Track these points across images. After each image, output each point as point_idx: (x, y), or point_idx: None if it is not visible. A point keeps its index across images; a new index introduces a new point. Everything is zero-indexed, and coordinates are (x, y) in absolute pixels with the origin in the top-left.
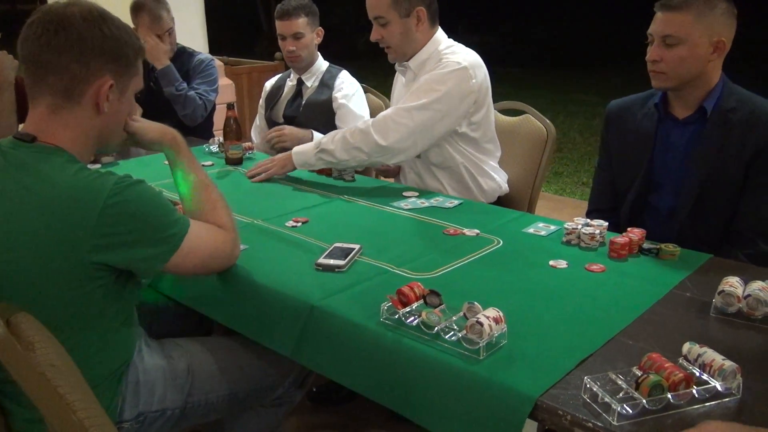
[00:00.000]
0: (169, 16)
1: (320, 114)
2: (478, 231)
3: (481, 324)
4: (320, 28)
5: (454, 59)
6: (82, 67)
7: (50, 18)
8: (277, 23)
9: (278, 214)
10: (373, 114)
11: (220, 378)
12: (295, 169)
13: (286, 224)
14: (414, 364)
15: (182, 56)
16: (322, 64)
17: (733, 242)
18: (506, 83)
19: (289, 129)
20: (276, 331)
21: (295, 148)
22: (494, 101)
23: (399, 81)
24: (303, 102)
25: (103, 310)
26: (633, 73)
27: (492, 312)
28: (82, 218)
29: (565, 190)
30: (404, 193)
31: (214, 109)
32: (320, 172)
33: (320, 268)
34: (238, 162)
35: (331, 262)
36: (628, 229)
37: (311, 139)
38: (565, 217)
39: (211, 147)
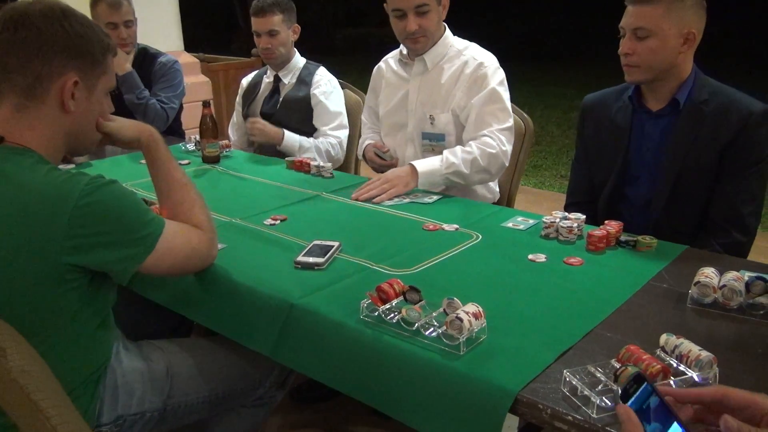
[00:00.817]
0: (130, 7)
1: (298, 111)
2: (457, 226)
3: (461, 320)
4: (297, 24)
5: (492, 63)
6: (43, 65)
7: (10, 16)
8: (253, 20)
9: (256, 213)
10: (351, 111)
11: (200, 379)
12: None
13: (265, 222)
14: (394, 361)
15: (144, 58)
16: (299, 60)
17: (708, 232)
18: None
19: (262, 123)
20: (255, 331)
21: (421, 167)
22: None
23: (386, 77)
24: (280, 99)
25: (77, 313)
26: (610, 67)
27: (471, 307)
28: (53, 220)
29: (543, 183)
30: None
31: (181, 108)
32: (298, 168)
33: (299, 266)
34: (215, 160)
35: (310, 260)
36: (605, 221)
37: (281, 139)
38: (545, 210)
39: (188, 145)
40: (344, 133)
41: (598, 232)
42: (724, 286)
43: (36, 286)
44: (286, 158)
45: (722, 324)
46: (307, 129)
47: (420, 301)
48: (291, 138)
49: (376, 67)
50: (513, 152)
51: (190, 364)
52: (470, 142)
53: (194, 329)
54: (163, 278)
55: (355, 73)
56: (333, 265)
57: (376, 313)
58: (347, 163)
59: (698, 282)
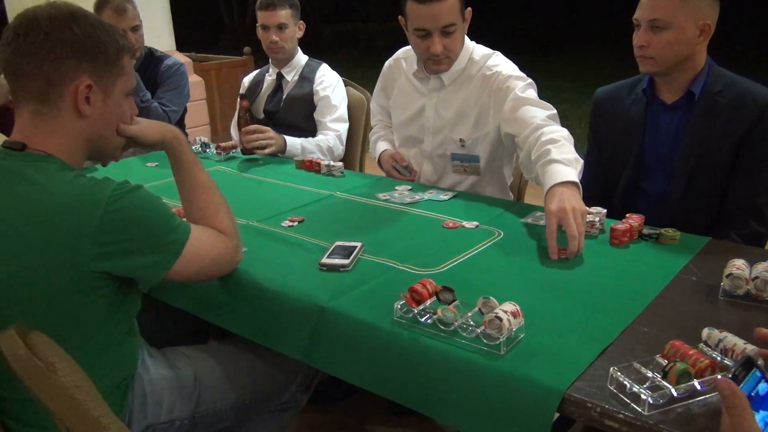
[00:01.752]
0: (135, 12)
1: (301, 108)
2: (477, 223)
3: (500, 319)
4: (302, 21)
5: (514, 74)
6: (54, 69)
7: (20, 22)
8: (261, 13)
9: (273, 214)
10: (353, 108)
11: (228, 386)
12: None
13: (282, 224)
14: (433, 362)
15: (150, 61)
16: (301, 57)
17: (725, 223)
18: None
19: (272, 132)
20: (286, 335)
21: (569, 177)
22: None
23: (399, 82)
24: (284, 96)
25: (105, 321)
26: (597, 59)
27: (509, 306)
28: (82, 227)
29: None
30: (396, 187)
31: (185, 111)
32: (308, 168)
33: (324, 268)
34: (253, 153)
35: (335, 261)
36: (627, 215)
37: (285, 145)
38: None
39: (193, 147)
40: (344, 127)
41: (621, 225)
42: (757, 277)
43: (64, 295)
44: (295, 158)
45: (756, 315)
46: (311, 127)
47: (454, 300)
48: (293, 143)
49: (386, 64)
50: None
51: (217, 371)
52: (542, 132)
53: (211, 333)
54: (186, 284)
55: (344, 69)
56: (358, 266)
57: (410, 315)
58: (351, 158)
59: (730, 274)
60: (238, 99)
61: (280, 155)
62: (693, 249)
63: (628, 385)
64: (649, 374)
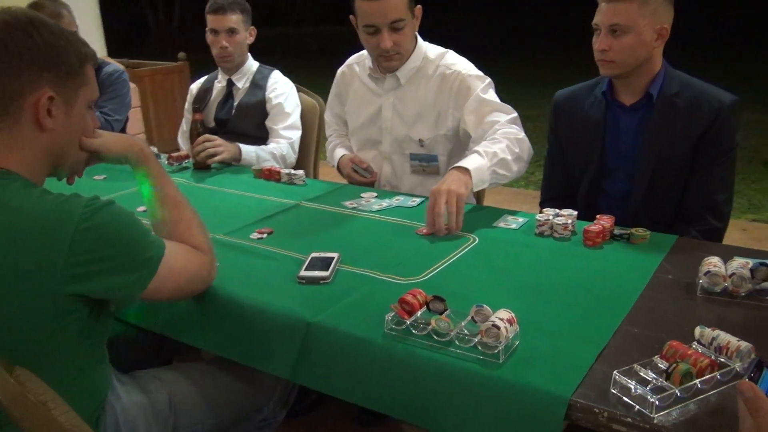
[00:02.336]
0: (71, 17)
1: (254, 116)
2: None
3: (498, 327)
4: (253, 27)
5: (474, 72)
6: (12, 80)
7: None
8: (210, 17)
9: (239, 227)
10: (306, 114)
11: (205, 407)
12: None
13: (251, 237)
14: (430, 374)
15: None
16: (252, 64)
17: (685, 220)
18: None
19: (220, 140)
20: (272, 354)
21: (470, 166)
22: None
23: (353, 87)
24: (235, 104)
25: (77, 347)
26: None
27: (504, 314)
28: (53, 247)
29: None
30: (362, 195)
31: (127, 120)
32: (267, 177)
33: (303, 281)
34: (207, 167)
35: (315, 273)
36: (597, 216)
37: (239, 153)
38: (524, 208)
39: None
40: (297, 134)
41: (594, 227)
42: (734, 274)
43: (36, 321)
44: (252, 167)
45: (736, 311)
46: (263, 134)
47: (445, 310)
48: (247, 150)
49: (339, 71)
50: None
51: (193, 392)
52: (492, 135)
53: (177, 352)
54: (158, 304)
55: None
56: (338, 278)
57: (403, 326)
58: (305, 165)
59: (708, 272)
60: (191, 111)
61: (235, 164)
62: (663, 247)
63: (633, 388)
64: (651, 376)
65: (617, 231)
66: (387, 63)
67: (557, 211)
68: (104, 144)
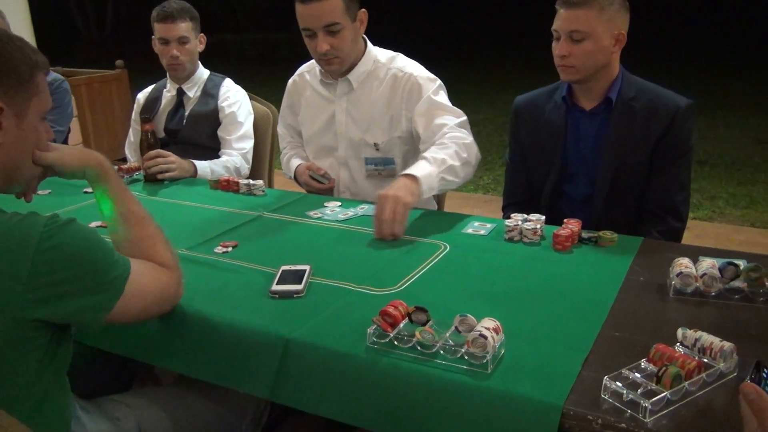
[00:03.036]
0: (5, 23)
1: (206, 126)
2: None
3: (485, 337)
4: (202, 34)
5: (424, 74)
6: None
7: None
8: (159, 26)
9: (202, 241)
10: (259, 122)
11: None
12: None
13: (215, 251)
14: (417, 387)
15: None
16: (203, 72)
17: (645, 221)
18: None
19: (174, 156)
20: (248, 373)
21: (418, 173)
22: None
23: (306, 95)
24: (186, 113)
25: (38, 376)
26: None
27: (490, 323)
28: (12, 271)
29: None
30: (325, 204)
31: (69, 131)
32: (225, 188)
33: (276, 295)
34: (158, 180)
35: (287, 287)
36: (565, 220)
37: (195, 171)
38: (475, 211)
39: None
40: (249, 144)
41: (563, 231)
42: (705, 274)
43: None
44: (209, 178)
45: (708, 311)
46: (216, 144)
47: (428, 321)
48: (202, 167)
49: (290, 81)
50: None
51: (163, 418)
52: (440, 140)
53: (135, 375)
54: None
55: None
56: (311, 291)
57: (386, 339)
58: (259, 175)
59: (680, 273)
60: (139, 121)
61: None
62: (631, 249)
63: (624, 393)
64: (640, 380)
65: (585, 234)
66: (328, 67)
67: (525, 216)
68: (60, 158)
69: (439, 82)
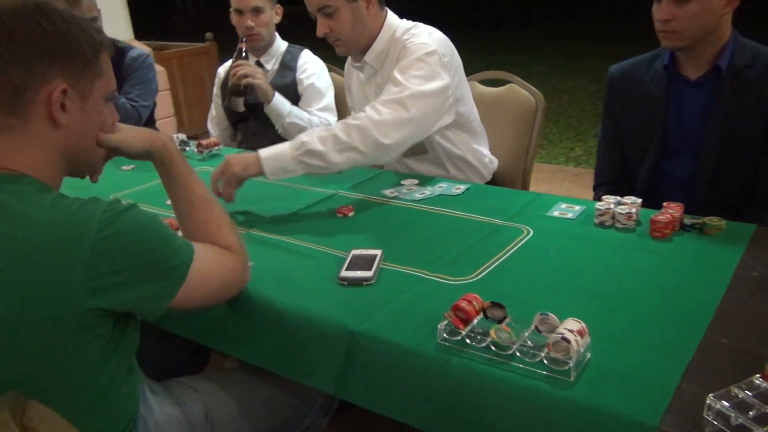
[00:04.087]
0: (91, 2)
1: (285, 98)
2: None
3: (568, 341)
4: (279, 5)
5: (419, 41)
6: (22, 73)
7: None
8: None
9: (274, 221)
10: (338, 95)
11: (243, 419)
12: (254, 177)
13: (286, 232)
14: (491, 392)
15: (114, 53)
16: (281, 44)
17: (758, 206)
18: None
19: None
20: (312, 366)
21: (264, 153)
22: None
23: (354, 79)
24: None
25: (102, 363)
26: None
27: (573, 324)
28: (70, 260)
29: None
30: (402, 182)
31: (155, 106)
32: None
33: (345, 282)
34: (242, 93)
35: (357, 274)
36: (665, 204)
37: (272, 94)
38: (563, 189)
39: None
40: (332, 118)
41: (662, 216)
42: None
43: (55, 340)
44: (284, 116)
45: None
46: None
47: (505, 318)
48: (280, 99)
49: (346, 64)
50: (525, 130)
51: (230, 404)
52: (348, 119)
53: (212, 354)
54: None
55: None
56: (381, 278)
57: (457, 337)
58: None
59: None
60: (219, 95)
61: (265, 108)
62: (742, 239)
63: (733, 417)
64: (753, 400)
65: (687, 220)
66: (336, 50)
67: (619, 198)
68: (124, 139)
69: (428, 50)
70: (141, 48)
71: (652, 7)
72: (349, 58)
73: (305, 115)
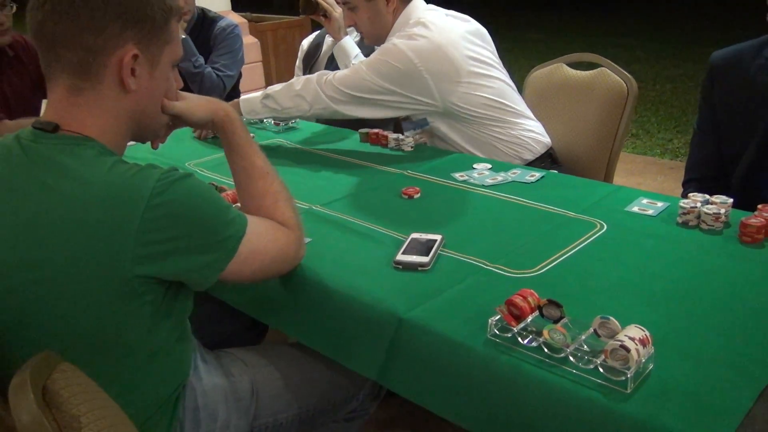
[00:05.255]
0: None
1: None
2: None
3: (627, 349)
4: None
5: (409, 31)
6: (95, 36)
7: None
8: None
9: (337, 197)
10: None
11: (289, 396)
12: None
13: (347, 211)
14: (539, 396)
15: (203, 23)
16: None
17: None
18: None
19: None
20: (357, 350)
21: (243, 96)
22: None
23: None
24: None
25: (152, 329)
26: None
27: (636, 331)
28: (121, 224)
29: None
30: (474, 165)
31: (240, 76)
32: (374, 141)
33: (400, 266)
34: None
35: (413, 259)
36: (759, 206)
37: (342, 32)
38: (656, 183)
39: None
40: None
41: (754, 219)
42: None
43: (102, 303)
44: (360, 130)
45: None
46: None
47: (562, 318)
48: (349, 41)
49: None
50: (614, 117)
51: (277, 379)
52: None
53: (271, 328)
54: None
55: None
56: (438, 265)
57: (509, 334)
58: None
59: None
60: (301, 67)
61: (334, 42)
62: None
63: None
64: None
65: None
66: (365, 41)
67: (707, 197)
68: (189, 107)
69: (413, 30)
70: (231, 19)
71: None
72: None
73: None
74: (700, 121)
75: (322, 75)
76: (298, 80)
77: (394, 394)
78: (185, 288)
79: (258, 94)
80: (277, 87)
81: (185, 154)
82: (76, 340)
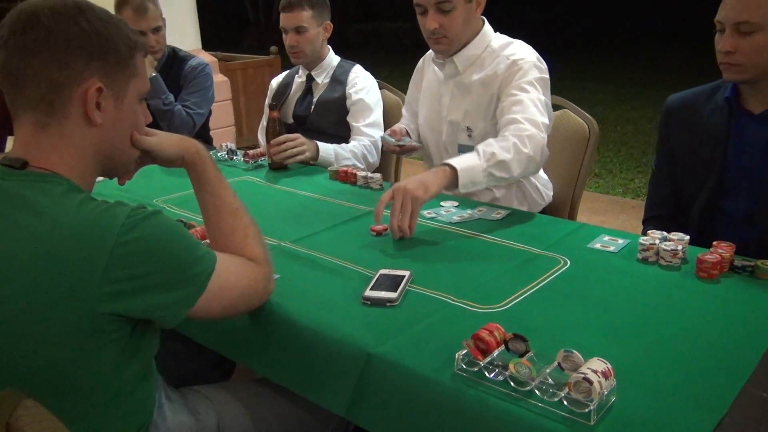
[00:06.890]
0: (157, 11)
1: (333, 112)
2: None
3: (590, 381)
4: (329, 22)
5: (531, 60)
6: (60, 70)
7: (17, 17)
8: (281, 16)
9: (307, 234)
10: (389, 111)
11: None
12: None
13: (315, 247)
14: (504, 429)
15: (173, 61)
16: (333, 59)
17: None
18: None
19: (302, 138)
20: (325, 385)
21: (460, 164)
22: None
23: (431, 74)
24: (314, 100)
25: (118, 368)
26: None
27: (598, 364)
28: (89, 261)
29: (598, 187)
30: (442, 203)
31: (210, 114)
32: (343, 179)
33: (368, 302)
34: (284, 167)
35: (381, 294)
36: (714, 243)
37: (317, 153)
38: (618, 222)
39: (219, 153)
40: (379, 134)
41: (710, 256)
42: None
43: (70, 342)
44: (329, 168)
45: None
46: (342, 133)
47: (527, 352)
48: (326, 149)
49: (421, 59)
50: (576, 158)
51: (244, 415)
52: (503, 132)
53: (239, 365)
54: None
55: (369, 69)
56: (406, 301)
57: (475, 368)
58: (386, 167)
59: None
60: (267, 108)
61: (312, 163)
62: None
63: None
64: None
65: (738, 262)
66: (435, 46)
67: (665, 234)
68: (159, 143)
69: (540, 75)
70: (201, 57)
71: (715, 37)
72: (431, 52)
73: (348, 152)
74: (658, 161)
75: (517, 126)
76: (519, 139)
77: (363, 430)
78: (152, 326)
79: (476, 160)
80: (498, 150)
81: (153, 190)
82: (40, 377)
